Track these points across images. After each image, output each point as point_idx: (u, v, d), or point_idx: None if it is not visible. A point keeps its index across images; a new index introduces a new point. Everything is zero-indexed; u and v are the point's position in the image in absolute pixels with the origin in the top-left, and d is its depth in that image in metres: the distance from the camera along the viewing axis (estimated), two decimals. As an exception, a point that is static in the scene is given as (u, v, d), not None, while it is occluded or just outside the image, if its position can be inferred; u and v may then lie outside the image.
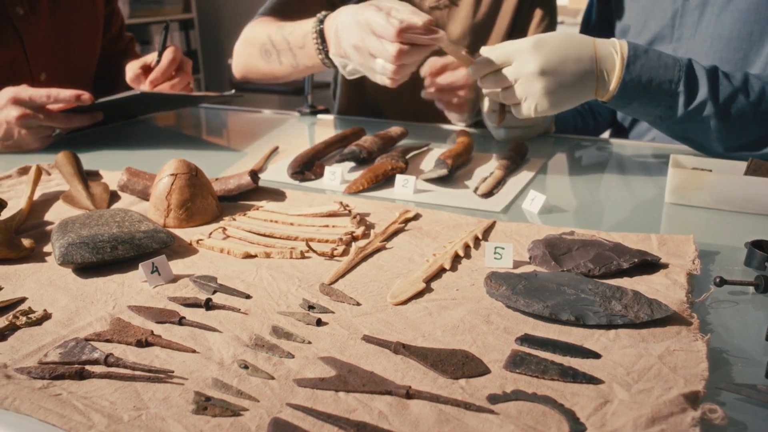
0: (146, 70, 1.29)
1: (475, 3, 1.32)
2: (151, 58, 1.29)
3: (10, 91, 1.09)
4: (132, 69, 1.29)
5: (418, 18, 0.89)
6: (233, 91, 1.29)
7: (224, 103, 1.63)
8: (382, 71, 0.94)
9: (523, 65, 0.88)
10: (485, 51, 0.93)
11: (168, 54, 1.26)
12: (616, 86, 0.89)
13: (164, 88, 1.25)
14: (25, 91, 1.08)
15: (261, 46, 1.18)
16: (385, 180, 0.95)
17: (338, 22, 0.99)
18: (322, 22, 1.05)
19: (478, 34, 1.33)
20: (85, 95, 1.09)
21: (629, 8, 1.21)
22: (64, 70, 1.36)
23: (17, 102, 1.08)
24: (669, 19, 1.13)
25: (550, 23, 1.35)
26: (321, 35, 1.05)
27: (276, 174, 1.00)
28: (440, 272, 0.66)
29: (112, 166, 1.03)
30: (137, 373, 0.49)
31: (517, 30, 1.34)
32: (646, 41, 1.16)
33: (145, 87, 1.26)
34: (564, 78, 0.88)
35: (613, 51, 0.90)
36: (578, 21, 3.47)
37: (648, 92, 0.90)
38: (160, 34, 1.27)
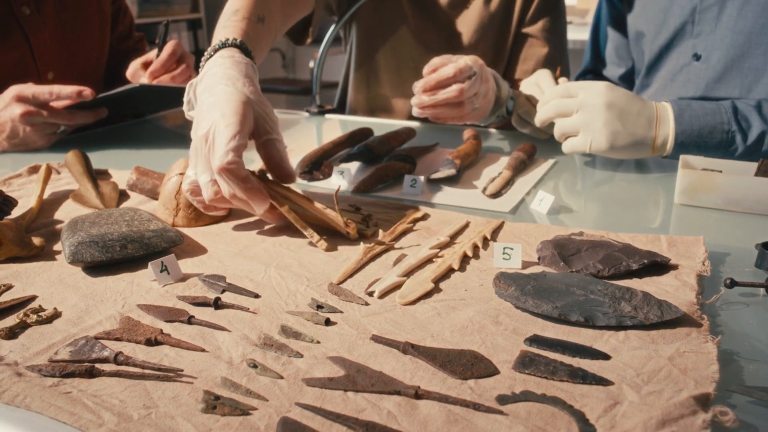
0: (147, 66, 1.29)
1: (484, 3, 1.31)
2: (152, 55, 1.29)
3: (13, 89, 1.10)
4: (132, 66, 1.29)
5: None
6: None
7: None
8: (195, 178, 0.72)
9: (591, 97, 0.93)
10: (561, 83, 0.96)
11: (168, 47, 1.26)
12: (673, 140, 0.94)
13: (164, 80, 1.25)
14: (28, 88, 1.09)
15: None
16: (393, 180, 0.95)
17: (208, 72, 0.76)
18: (216, 51, 0.81)
19: (486, 34, 1.33)
20: (87, 91, 1.10)
21: (645, 7, 1.20)
22: (72, 69, 1.36)
23: (20, 99, 1.09)
24: (688, 15, 1.12)
25: (555, 23, 1.35)
26: (210, 57, 0.81)
27: (284, 173, 1.00)
28: (449, 272, 0.66)
29: (121, 165, 1.03)
30: (147, 371, 0.49)
31: (523, 34, 1.34)
32: (666, 39, 1.15)
33: (144, 80, 1.26)
34: (626, 120, 0.92)
35: (663, 108, 0.95)
36: (586, 21, 3.45)
37: (702, 138, 0.94)
38: (160, 32, 1.27)
